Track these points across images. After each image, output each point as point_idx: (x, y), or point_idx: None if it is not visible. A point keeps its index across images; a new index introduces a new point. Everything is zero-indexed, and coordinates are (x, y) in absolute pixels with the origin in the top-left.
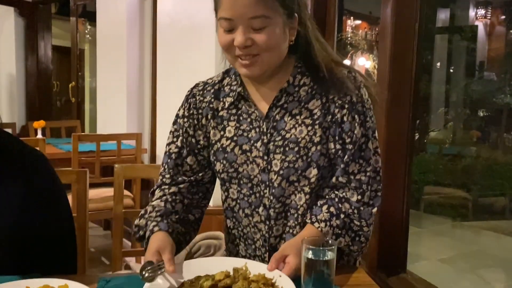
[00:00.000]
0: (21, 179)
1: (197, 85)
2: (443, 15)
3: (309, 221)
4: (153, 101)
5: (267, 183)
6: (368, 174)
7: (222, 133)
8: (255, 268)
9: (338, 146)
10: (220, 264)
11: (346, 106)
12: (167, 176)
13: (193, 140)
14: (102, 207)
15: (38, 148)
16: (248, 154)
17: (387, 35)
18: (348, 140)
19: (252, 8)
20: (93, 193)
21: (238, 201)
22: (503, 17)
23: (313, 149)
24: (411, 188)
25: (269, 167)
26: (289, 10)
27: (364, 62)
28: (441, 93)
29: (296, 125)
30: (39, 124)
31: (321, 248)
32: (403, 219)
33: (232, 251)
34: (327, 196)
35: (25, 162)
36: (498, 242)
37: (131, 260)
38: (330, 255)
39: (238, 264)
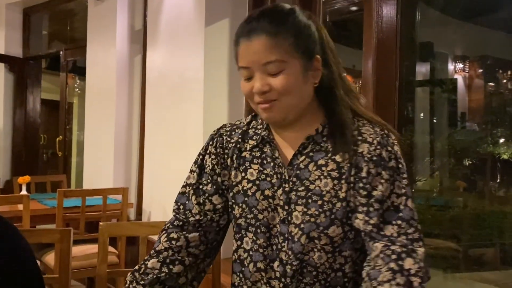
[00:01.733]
0: None
1: (224, 126)
2: (423, 69)
3: None
4: (141, 154)
5: (286, 235)
6: (410, 237)
7: (243, 174)
8: None
9: (351, 199)
10: None
11: (374, 158)
12: (184, 216)
13: (219, 179)
14: (85, 265)
15: (22, 205)
16: (271, 200)
17: (369, 91)
18: (373, 200)
19: (265, 53)
20: (76, 250)
21: (251, 252)
22: (480, 70)
23: (338, 205)
24: None
25: (289, 218)
26: (308, 51)
27: None
28: (426, 143)
29: (322, 177)
30: (23, 179)
31: None
32: None
33: None
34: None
35: None
36: None
37: None
38: None
39: None
